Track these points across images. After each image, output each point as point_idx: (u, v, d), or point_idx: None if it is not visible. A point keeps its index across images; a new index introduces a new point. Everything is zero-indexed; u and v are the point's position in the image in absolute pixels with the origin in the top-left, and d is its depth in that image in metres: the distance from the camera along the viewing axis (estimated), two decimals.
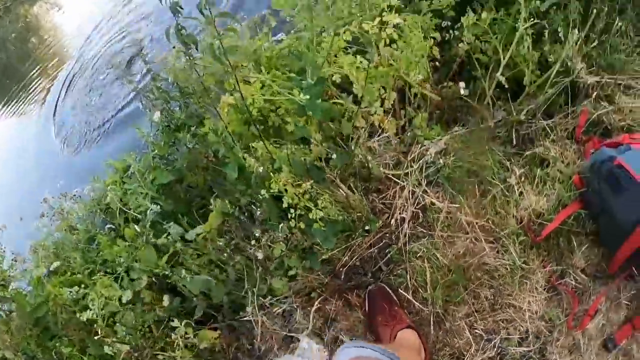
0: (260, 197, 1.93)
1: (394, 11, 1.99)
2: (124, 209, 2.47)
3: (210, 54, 1.78)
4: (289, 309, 1.88)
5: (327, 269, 1.89)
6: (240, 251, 1.91)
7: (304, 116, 2.04)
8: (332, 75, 2.14)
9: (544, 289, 1.79)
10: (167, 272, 1.99)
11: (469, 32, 2.09)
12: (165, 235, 2.21)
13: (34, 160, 3.92)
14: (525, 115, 1.98)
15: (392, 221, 1.90)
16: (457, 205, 1.87)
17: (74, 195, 2.70)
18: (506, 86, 2.01)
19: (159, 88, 2.31)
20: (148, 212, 2.21)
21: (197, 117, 2.38)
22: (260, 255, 1.77)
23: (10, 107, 5.19)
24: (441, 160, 1.92)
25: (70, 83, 4.54)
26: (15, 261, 2.54)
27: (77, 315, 2.17)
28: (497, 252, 1.84)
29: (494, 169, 1.89)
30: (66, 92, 4.48)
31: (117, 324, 2.07)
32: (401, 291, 1.85)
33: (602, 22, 1.90)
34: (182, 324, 1.85)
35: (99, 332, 2.25)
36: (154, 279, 2.25)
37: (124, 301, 2.04)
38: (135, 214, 2.29)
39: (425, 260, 1.85)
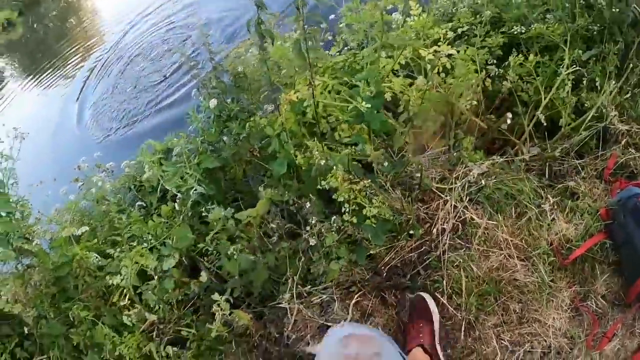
0: (314, 191, 2.04)
1: (447, 43, 2.19)
2: (160, 187, 2.53)
3: (294, 50, 1.93)
4: (327, 299, 1.95)
5: (370, 265, 1.98)
6: (287, 238, 1.99)
7: (360, 124, 2.19)
8: (385, 93, 2.31)
9: (568, 309, 1.93)
10: (210, 249, 2.05)
11: (513, 71, 2.31)
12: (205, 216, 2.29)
13: (53, 135, 3.88)
14: (559, 153, 2.18)
15: (434, 230, 2.03)
16: (494, 223, 2.02)
17: (108, 168, 2.73)
18: (544, 124, 2.22)
19: (218, 78, 2.43)
20: (191, 192, 2.27)
21: (247, 112, 2.49)
22: (313, 242, 1.86)
23: (38, 81, 5.14)
24: (483, 181, 2.08)
25: (102, 67, 4.57)
26: (39, 219, 2.53)
27: (107, 279, 2.18)
28: (528, 269, 1.98)
29: (530, 195, 2.07)
30: (97, 75, 4.50)
31: (150, 292, 2.09)
32: (437, 294, 1.95)
33: (635, 77, 2.15)
34: (222, 298, 1.89)
35: (126, 299, 2.26)
36: (183, 258, 2.29)
37: (165, 268, 2.07)
38: (175, 192, 2.34)
39: (462, 269, 1.97)
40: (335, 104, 2.20)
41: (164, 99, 3.89)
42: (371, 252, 1.96)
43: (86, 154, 2.98)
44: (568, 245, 2.00)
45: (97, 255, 2.37)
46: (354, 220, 1.89)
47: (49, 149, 3.71)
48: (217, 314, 1.83)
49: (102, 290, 2.42)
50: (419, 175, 2.03)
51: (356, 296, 1.93)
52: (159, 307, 2.11)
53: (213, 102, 2.37)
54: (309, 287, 1.98)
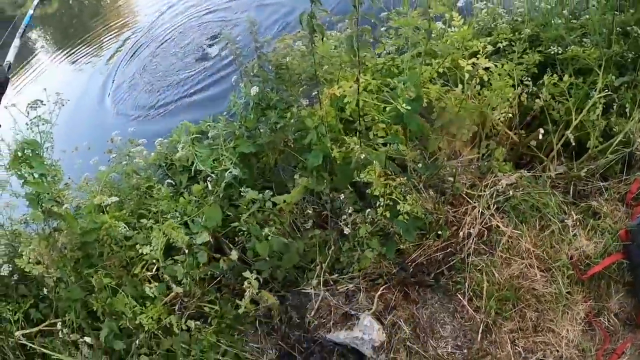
0: (347, 184, 2.11)
1: (485, 56, 2.27)
2: (192, 167, 2.58)
3: (347, 45, 1.99)
4: (353, 289, 2.01)
5: (397, 260, 2.05)
6: (320, 225, 2.05)
7: (398, 125, 2.26)
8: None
9: (582, 322, 2.01)
10: (242, 229, 2.10)
11: (547, 90, 2.39)
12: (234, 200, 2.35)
13: (74, 112, 3.89)
14: (585, 173, 2.26)
15: (461, 234, 2.10)
16: (519, 232, 2.10)
17: (140, 144, 2.78)
18: (573, 144, 2.30)
19: (261, 67, 2.49)
20: (226, 174, 2.33)
21: (285, 103, 2.55)
22: (347, 231, 1.92)
23: (69, 55, 5.15)
24: (510, 192, 2.15)
25: (134, 47, 4.59)
26: (68, 186, 2.57)
27: (137, 247, 2.22)
28: (547, 280, 2.05)
29: (554, 210, 2.14)
30: (128, 55, 4.52)
31: (179, 264, 2.13)
32: (458, 295, 2.02)
33: None
34: (253, 277, 1.94)
35: (147, 271, 2.31)
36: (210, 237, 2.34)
37: (199, 242, 2.12)
38: (209, 173, 2.40)
39: (484, 274, 2.04)
40: (375, 103, 2.27)
41: (195, 84, 3.92)
42: (400, 247, 2.02)
43: (109, 131, 3.03)
44: (587, 261, 2.07)
45: (125, 225, 2.41)
46: (387, 214, 1.96)
47: (71, 124, 3.72)
48: (247, 291, 1.88)
49: (125, 260, 2.46)
50: (451, 179, 2.10)
51: (381, 288, 1.99)
52: (186, 281, 2.16)
53: (254, 90, 2.43)
54: (336, 275, 2.04)
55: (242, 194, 2.26)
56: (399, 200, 1.95)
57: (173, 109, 3.73)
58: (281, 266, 2.05)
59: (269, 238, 1.99)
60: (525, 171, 2.31)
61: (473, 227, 2.11)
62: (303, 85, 2.64)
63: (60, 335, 2.48)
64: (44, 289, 2.53)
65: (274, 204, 2.10)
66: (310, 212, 2.05)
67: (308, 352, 2.06)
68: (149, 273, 2.45)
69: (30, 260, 2.38)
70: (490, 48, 2.39)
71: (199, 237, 2.12)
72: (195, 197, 2.43)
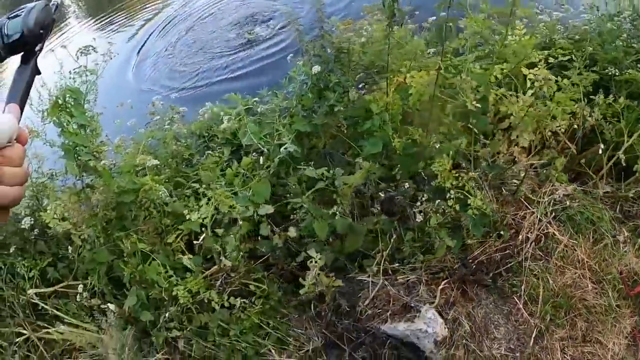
0: (408, 174, 2.08)
1: (545, 68, 2.30)
2: (236, 140, 2.48)
3: (436, 32, 1.97)
4: (414, 280, 1.97)
5: (460, 255, 2.02)
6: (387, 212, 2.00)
7: (465, 122, 2.25)
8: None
9: (628, 336, 2.04)
10: (305, 205, 2.02)
11: (599, 110, 2.45)
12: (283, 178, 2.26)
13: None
14: (632, 194, 2.32)
15: (520, 237, 2.10)
16: (575, 242, 2.12)
17: (180, 111, 2.65)
18: (623, 164, 2.36)
19: (323, 47, 2.43)
20: (281, 149, 2.24)
21: (342, 87, 2.50)
22: (419, 219, 1.88)
23: (99, 23, 4.83)
24: (567, 202, 2.18)
25: (170, 23, 4.34)
26: (104, 143, 2.42)
27: (186, 213, 2.10)
28: (597, 292, 2.08)
29: (607, 225, 2.18)
30: (162, 30, 4.28)
31: (231, 235, 2.03)
32: (515, 298, 2.02)
33: None
34: (318, 256, 1.87)
35: (182, 241, 2.19)
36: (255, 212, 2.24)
37: (262, 213, 2.02)
38: (262, 147, 2.30)
39: (540, 279, 2.04)
40: (443, 97, 2.25)
41: (234, 72, 3.77)
42: (469, 240, 1.99)
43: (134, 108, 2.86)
44: (635, 278, 2.12)
45: (165, 190, 2.27)
46: (457, 207, 1.94)
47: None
48: (311, 269, 1.80)
49: (160, 227, 2.32)
50: (516, 181, 2.10)
51: (443, 283, 1.96)
52: (235, 255, 2.05)
53: (316, 68, 2.37)
54: (397, 265, 1.99)
55: (296, 170, 2.18)
56: (472, 194, 1.93)
57: (203, 92, 3.55)
58: (343, 249, 1.98)
59: (335, 218, 1.91)
60: (577, 185, 2.34)
61: (531, 232, 2.12)
62: (359, 72, 2.60)
63: (78, 299, 2.31)
64: (68, 248, 2.35)
65: (332, 185, 2.02)
66: (382, 195, 2.00)
67: (357, 343, 2.00)
68: (182, 243, 2.33)
69: (55, 216, 2.20)
70: (553, 61, 2.43)
71: (262, 209, 2.02)
72: (244, 170, 2.33)
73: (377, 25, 2.36)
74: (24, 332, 2.26)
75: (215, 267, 2.13)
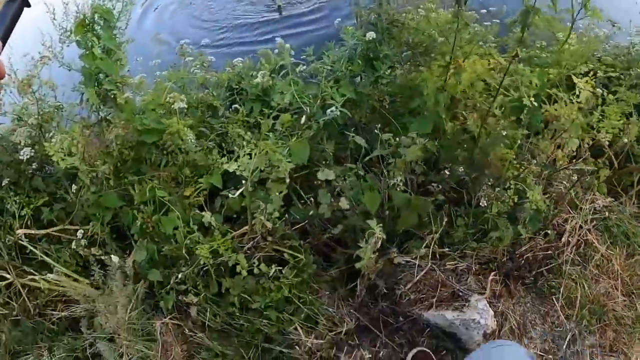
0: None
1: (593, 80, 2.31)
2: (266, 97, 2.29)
3: (521, 17, 1.89)
4: (463, 267, 1.87)
5: (509, 249, 1.95)
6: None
7: (517, 116, 2.19)
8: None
9: None
10: (360, 173, 1.86)
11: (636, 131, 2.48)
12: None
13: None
14: None
15: (563, 239, 2.06)
16: (611, 253, 2.11)
17: (208, 60, 2.41)
18: None
19: (379, 15, 2.29)
20: (328, 111, 2.08)
21: (389, 61, 2.37)
22: (484, 203, 1.78)
23: None
24: (607, 213, 2.17)
25: None
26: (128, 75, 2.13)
27: (219, 162, 1.89)
28: (626, 305, 2.08)
29: None
30: None
31: (276, 194, 1.82)
32: (553, 299, 1.97)
33: None
34: (377, 226, 1.70)
35: (245, 188, 1.96)
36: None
37: (322, 178, 1.84)
38: (303, 106, 2.12)
39: (578, 284, 2.01)
40: (503, 88, 2.18)
41: (264, 34, 3.50)
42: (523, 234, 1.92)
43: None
44: None
45: (193, 136, 2.03)
46: (515, 199, 1.86)
47: None
48: (369, 240, 1.64)
49: (180, 177, 2.07)
50: (565, 184, 2.06)
51: (492, 274, 1.87)
52: (274, 216, 1.85)
53: (371, 34, 2.22)
54: (447, 249, 1.88)
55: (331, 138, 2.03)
56: (532, 187, 1.86)
57: (223, 52, 3.25)
58: (394, 227, 1.84)
59: (397, 189, 1.77)
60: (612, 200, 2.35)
61: (572, 237, 2.09)
62: (405, 49, 2.48)
63: (73, 246, 2.01)
64: (68, 189, 2.03)
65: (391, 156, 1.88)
66: (447, 173, 1.88)
67: (394, 328, 1.87)
68: (202, 199, 2.09)
69: (61, 150, 1.89)
70: (601, 75, 2.45)
71: (322, 173, 1.84)
72: (282, 128, 2.13)
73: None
74: (7, 276, 1.93)
75: (246, 227, 1.91)
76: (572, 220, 2.13)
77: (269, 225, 1.80)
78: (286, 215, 1.90)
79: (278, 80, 2.27)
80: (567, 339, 1.95)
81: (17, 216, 1.94)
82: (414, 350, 1.81)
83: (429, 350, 1.81)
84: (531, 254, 1.99)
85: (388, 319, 1.87)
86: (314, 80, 2.30)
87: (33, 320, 2.08)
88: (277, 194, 1.82)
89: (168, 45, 3.01)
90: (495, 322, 1.79)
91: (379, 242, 1.62)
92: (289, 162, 2.01)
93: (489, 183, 1.83)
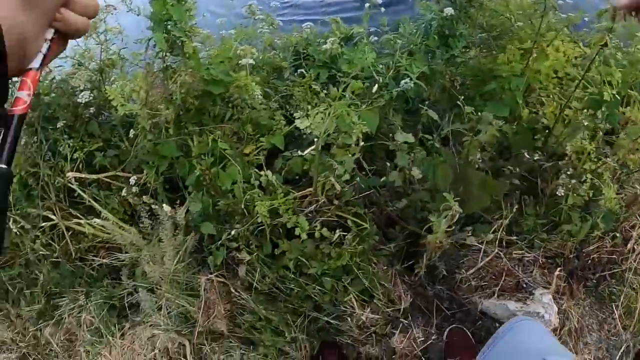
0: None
1: None
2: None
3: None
4: (529, 258, 1.79)
5: (577, 246, 1.87)
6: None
7: (594, 110, 2.11)
8: None
9: None
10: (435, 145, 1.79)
11: None
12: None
13: None
14: None
15: (628, 245, 1.98)
16: None
17: (276, 22, 2.34)
18: None
19: None
20: (402, 82, 2.01)
21: (464, 41, 2.29)
22: (561, 192, 1.71)
23: None
24: None
25: None
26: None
27: (282, 123, 1.82)
28: None
29: None
30: None
31: (351, 155, 1.75)
32: (612, 306, 1.90)
33: None
34: (455, 205, 1.61)
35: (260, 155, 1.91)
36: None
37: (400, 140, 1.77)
38: (376, 76, 2.05)
39: (639, 294, 1.94)
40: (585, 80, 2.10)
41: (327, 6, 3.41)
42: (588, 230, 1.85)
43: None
44: None
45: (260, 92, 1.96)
46: (590, 193, 1.79)
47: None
48: (447, 212, 1.55)
49: (242, 133, 2.00)
50: (638, 187, 1.99)
51: (558, 270, 1.79)
52: (342, 179, 1.76)
53: (449, 10, 2.15)
54: (514, 237, 1.80)
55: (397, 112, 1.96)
56: (607, 184, 1.79)
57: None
58: (465, 206, 1.76)
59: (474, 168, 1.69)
60: None
61: (638, 244, 2.01)
62: (480, 32, 2.41)
63: (124, 193, 1.94)
64: (127, 135, 1.96)
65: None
66: (526, 156, 1.81)
67: (448, 314, 1.79)
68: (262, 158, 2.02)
69: (122, 95, 1.82)
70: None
71: (400, 135, 1.76)
72: (351, 95, 2.05)
73: None
74: (53, 217, 1.86)
75: (308, 189, 1.84)
76: (639, 228, 2.05)
77: (338, 187, 1.73)
78: (357, 179, 1.82)
79: (347, 48, 2.20)
80: (622, 350, 1.87)
81: (69, 159, 1.87)
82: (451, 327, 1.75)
83: (464, 329, 1.74)
84: (597, 255, 1.91)
85: (442, 304, 1.80)
86: (385, 51, 2.23)
87: (73, 264, 2.02)
88: (351, 155, 1.75)
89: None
90: (558, 320, 1.72)
91: (456, 217, 1.55)
92: (363, 123, 1.93)
93: (568, 172, 1.75)
